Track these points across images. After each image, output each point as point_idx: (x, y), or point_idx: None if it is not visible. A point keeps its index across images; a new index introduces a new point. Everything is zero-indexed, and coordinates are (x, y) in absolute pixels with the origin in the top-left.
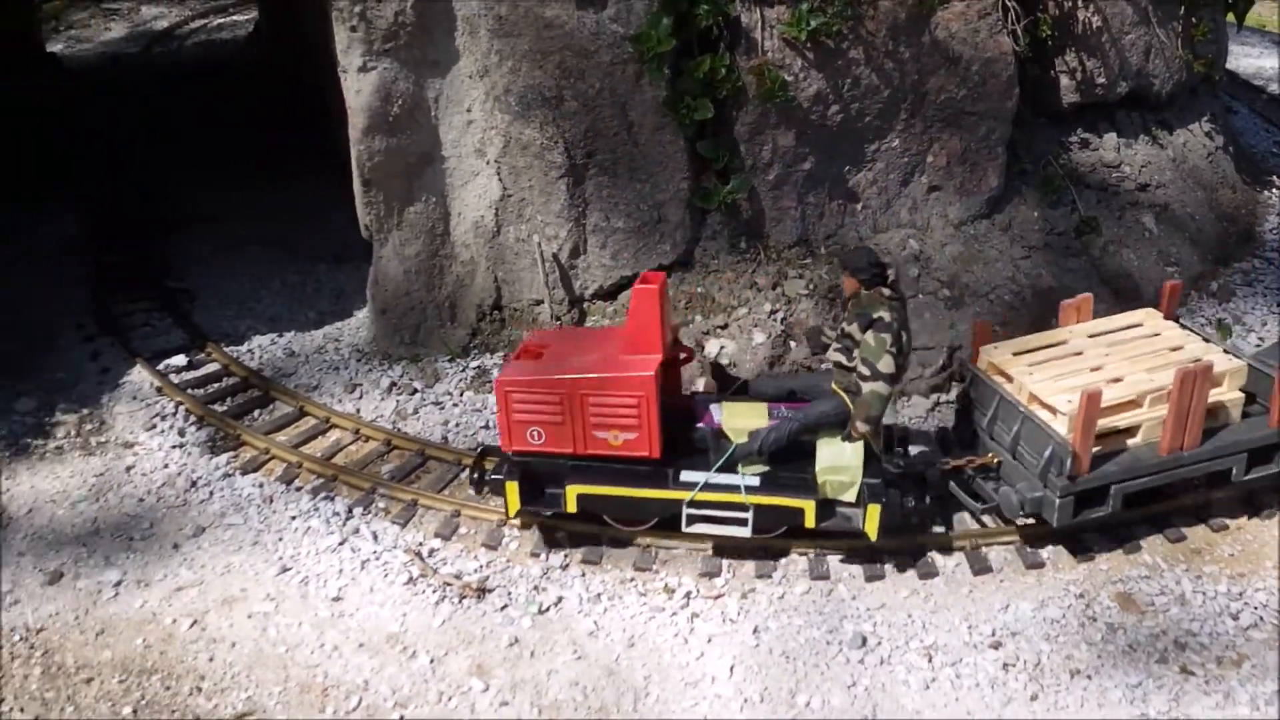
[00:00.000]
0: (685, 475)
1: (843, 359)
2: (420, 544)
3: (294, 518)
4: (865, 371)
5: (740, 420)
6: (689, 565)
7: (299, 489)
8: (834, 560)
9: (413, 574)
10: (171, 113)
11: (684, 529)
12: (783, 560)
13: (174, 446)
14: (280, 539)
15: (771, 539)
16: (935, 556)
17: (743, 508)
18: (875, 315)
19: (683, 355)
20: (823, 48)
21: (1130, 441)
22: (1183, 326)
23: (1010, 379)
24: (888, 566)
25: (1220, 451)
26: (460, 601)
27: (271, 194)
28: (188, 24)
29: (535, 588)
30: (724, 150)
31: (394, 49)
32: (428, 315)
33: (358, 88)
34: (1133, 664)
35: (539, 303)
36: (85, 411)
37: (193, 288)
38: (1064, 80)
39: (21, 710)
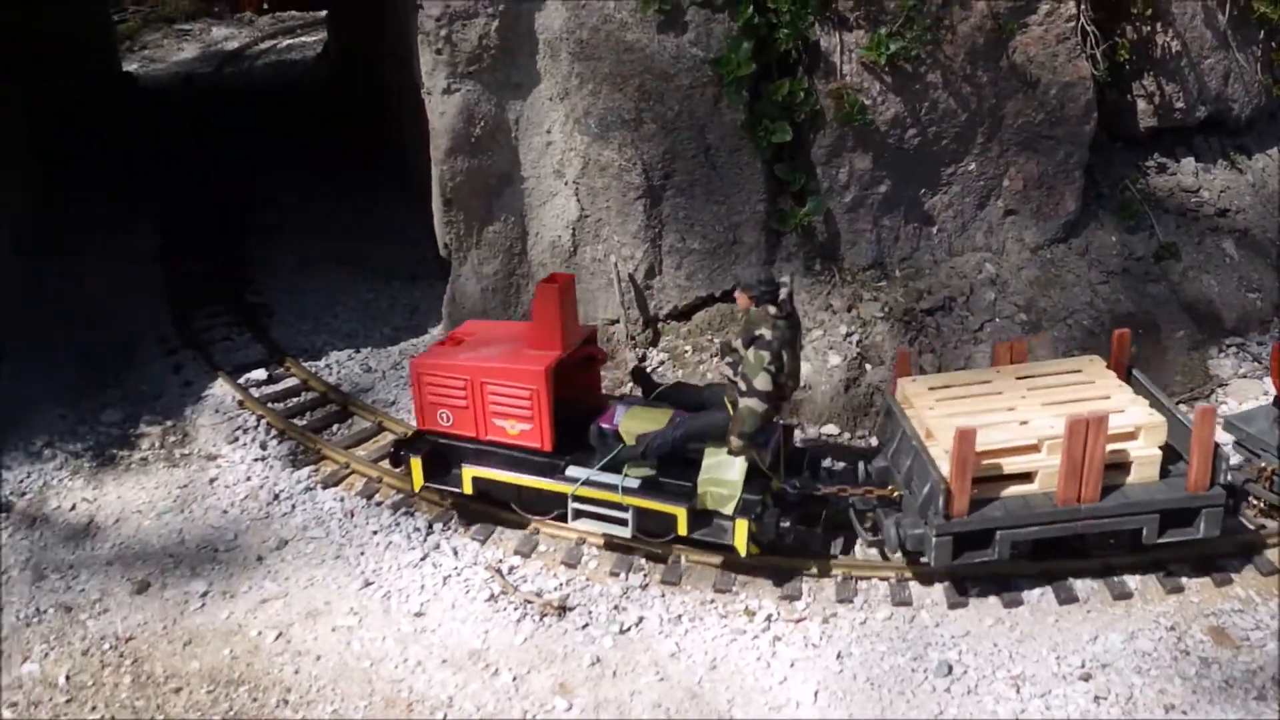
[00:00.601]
0: (571, 470)
1: (730, 373)
2: (500, 561)
3: (375, 532)
4: (743, 387)
5: (638, 424)
6: (769, 588)
7: (379, 504)
8: (916, 586)
9: (494, 591)
10: (244, 129)
11: (569, 522)
12: (863, 585)
13: (256, 460)
14: (362, 553)
15: (660, 544)
16: (1019, 584)
17: (622, 508)
18: (758, 333)
19: (598, 357)
20: (901, 71)
21: (1027, 488)
22: (1132, 377)
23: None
24: (971, 593)
25: (1125, 509)
26: (541, 619)
27: (343, 210)
28: (257, 45)
29: (615, 607)
30: (801, 173)
31: (477, 71)
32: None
33: (442, 109)
34: (1229, 700)
35: (614, 322)
36: (169, 423)
37: (270, 302)
38: (1142, 104)
39: (113, 718)
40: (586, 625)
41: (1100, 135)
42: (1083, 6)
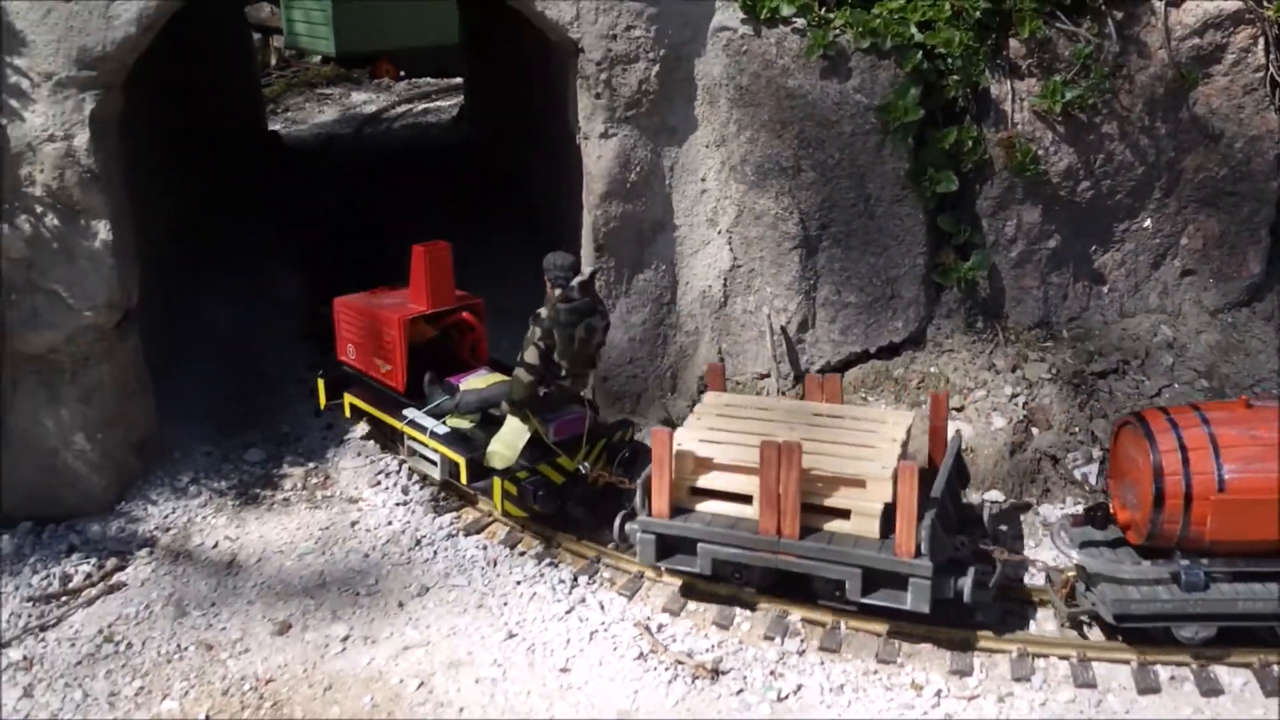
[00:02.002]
0: (406, 411)
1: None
2: (648, 618)
3: (519, 582)
4: (518, 357)
5: (475, 385)
6: (936, 660)
7: (523, 553)
8: (1101, 667)
9: (643, 649)
10: (382, 183)
11: (402, 454)
12: (1041, 663)
13: (398, 504)
14: (505, 603)
15: (474, 489)
16: (1218, 671)
17: (434, 450)
18: (538, 311)
19: (471, 324)
20: (1075, 121)
21: (745, 510)
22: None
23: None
24: (1163, 678)
25: (823, 554)
26: (693, 682)
27: (479, 261)
28: (394, 108)
29: (772, 673)
30: (965, 225)
31: (635, 116)
32: (649, 384)
33: (598, 154)
34: None
35: (764, 376)
36: (311, 465)
37: None
38: None
39: None
40: (741, 691)
41: None
42: (1272, 56)
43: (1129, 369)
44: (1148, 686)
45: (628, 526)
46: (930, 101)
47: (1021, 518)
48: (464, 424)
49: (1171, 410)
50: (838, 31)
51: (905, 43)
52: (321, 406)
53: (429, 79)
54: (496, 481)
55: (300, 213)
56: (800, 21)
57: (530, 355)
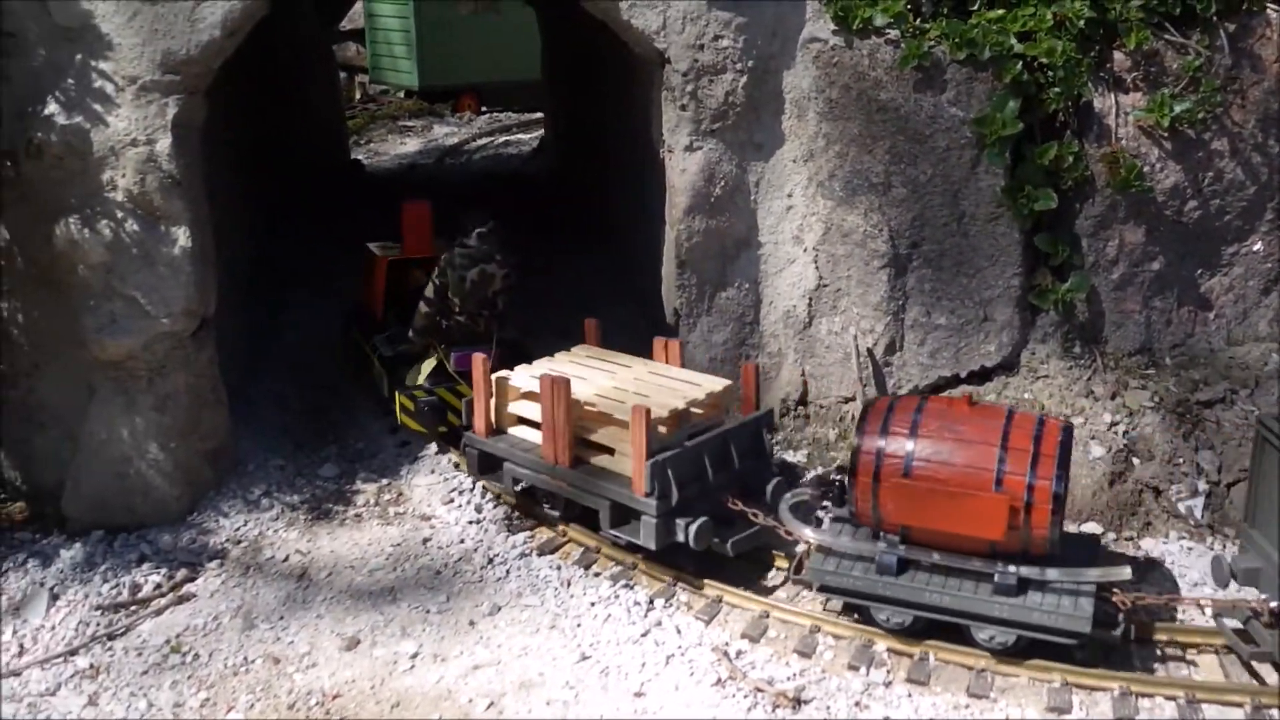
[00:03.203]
0: (376, 337)
1: None
2: (726, 644)
3: (593, 604)
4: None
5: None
6: (1032, 695)
7: (597, 574)
8: (1211, 709)
9: (721, 675)
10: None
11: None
12: (1146, 702)
13: (470, 522)
14: (579, 625)
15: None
16: None
17: (377, 366)
18: (444, 255)
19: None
20: (1182, 137)
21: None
22: (759, 405)
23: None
24: None
25: (583, 484)
26: (774, 711)
27: (559, 285)
28: (475, 141)
29: (857, 704)
30: (1064, 245)
31: (721, 129)
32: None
33: (683, 167)
34: None
35: (849, 400)
36: (384, 482)
37: None
38: None
39: None
40: None
41: None
42: None
43: (1237, 398)
44: None
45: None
46: (1029, 115)
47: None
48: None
49: (905, 397)
50: (932, 42)
51: (1004, 53)
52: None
53: (510, 113)
54: (397, 395)
55: (379, 236)
56: (894, 32)
57: (429, 291)
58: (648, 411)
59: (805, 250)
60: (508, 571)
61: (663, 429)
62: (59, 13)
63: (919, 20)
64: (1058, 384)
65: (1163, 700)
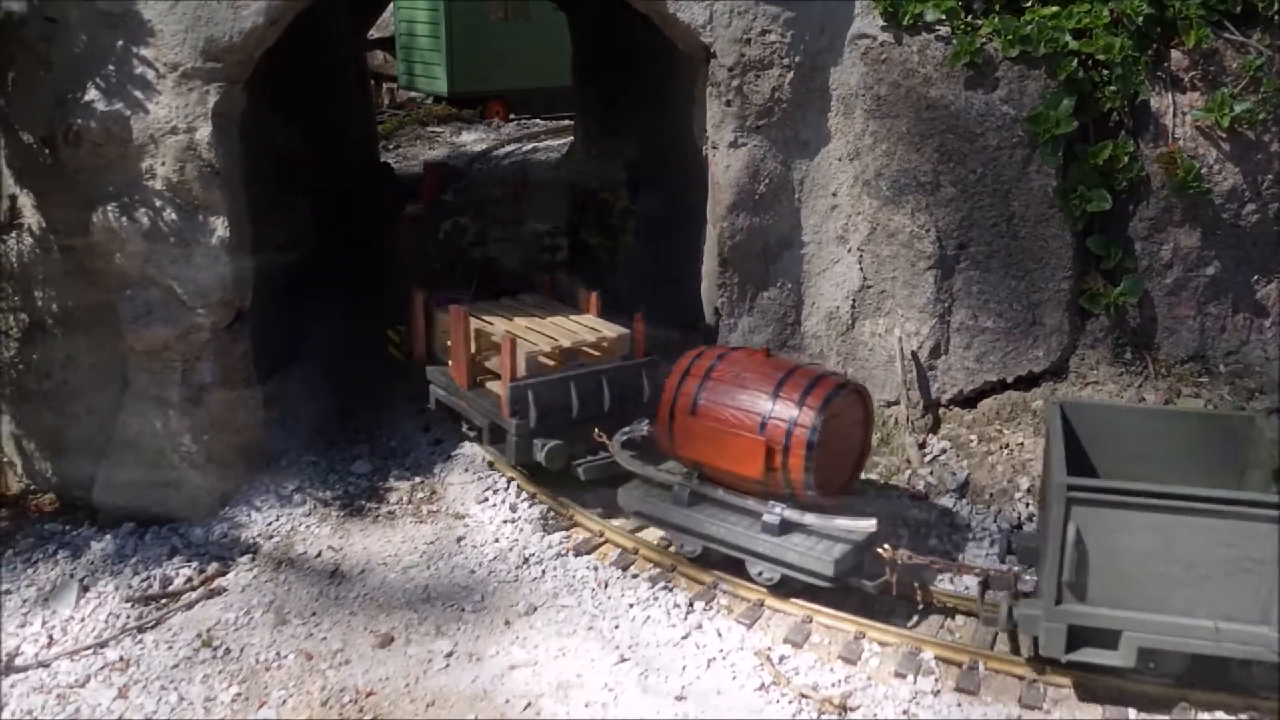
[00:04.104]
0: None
1: None
2: (769, 648)
3: (631, 605)
4: None
5: None
6: (1088, 710)
7: (635, 575)
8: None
9: (764, 680)
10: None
11: None
12: (1204, 715)
13: (505, 521)
14: (617, 626)
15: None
16: None
17: None
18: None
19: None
20: (1241, 138)
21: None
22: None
23: None
24: None
25: (475, 404)
26: (819, 717)
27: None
28: (503, 147)
29: (905, 712)
30: (1116, 247)
31: (766, 126)
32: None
33: (727, 163)
34: None
35: (893, 403)
36: (418, 480)
37: None
38: None
39: None
40: None
41: None
42: None
43: None
44: None
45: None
46: (1083, 113)
47: None
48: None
49: (715, 347)
50: (984, 39)
51: (1059, 50)
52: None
53: (538, 120)
54: (388, 330)
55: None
56: (944, 29)
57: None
58: (514, 341)
59: (850, 250)
60: (544, 571)
61: (550, 362)
62: None
63: (970, 16)
64: (1108, 390)
65: (1224, 716)
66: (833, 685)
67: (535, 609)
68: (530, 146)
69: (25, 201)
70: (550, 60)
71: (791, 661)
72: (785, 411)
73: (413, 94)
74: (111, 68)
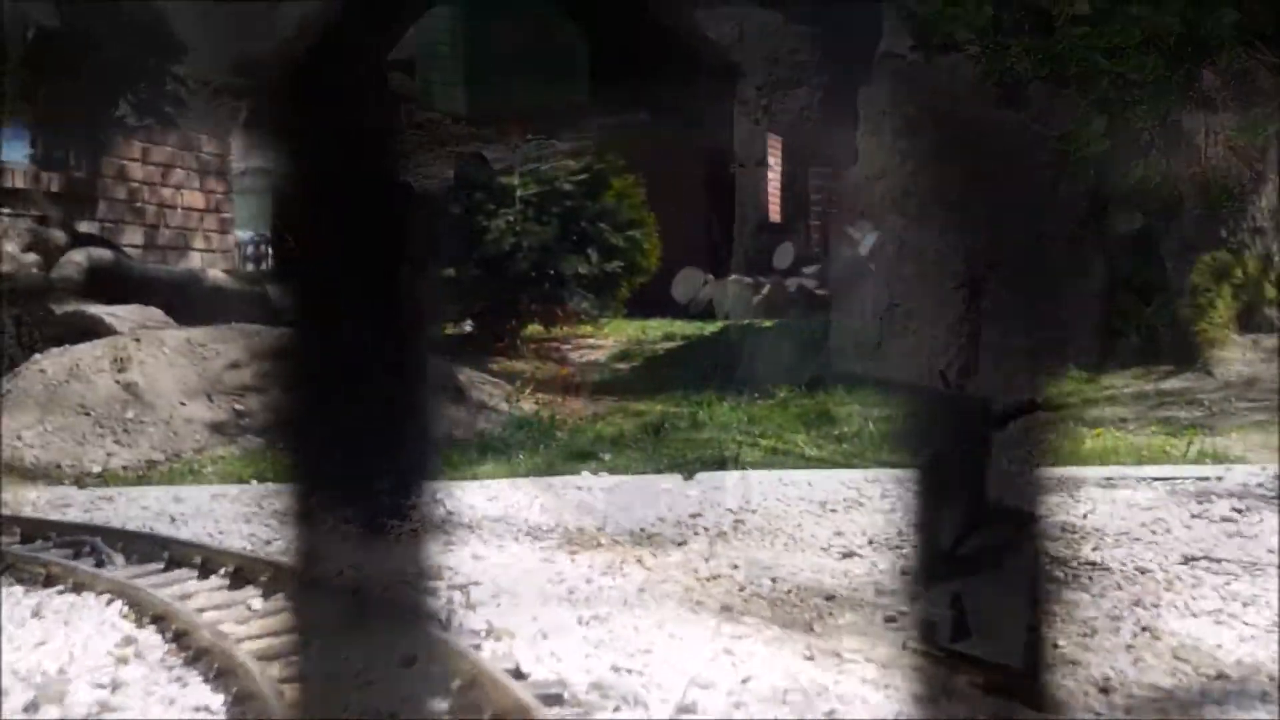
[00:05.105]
0: None
1: None
2: None
3: None
4: None
5: None
6: None
7: None
8: None
9: None
10: None
11: None
12: None
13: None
14: None
15: None
16: None
17: None
18: None
19: None
20: (1274, 158)
21: None
22: None
23: None
24: None
25: None
26: None
27: None
28: (523, 165)
29: None
30: (1148, 267)
31: (794, 144)
32: None
33: (754, 181)
34: None
35: None
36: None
37: None
38: None
39: None
40: None
41: None
42: None
43: None
44: None
45: None
46: (1115, 133)
47: None
48: None
49: None
50: (1015, 58)
51: (1091, 70)
52: None
53: (554, 142)
54: None
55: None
56: (974, 48)
57: None
58: None
59: (876, 269)
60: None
61: None
62: (132, 12)
63: (1000, 36)
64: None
65: None
66: None
67: None
68: (548, 167)
69: None
70: (569, 80)
71: None
72: None
73: (431, 114)
74: (142, 84)
